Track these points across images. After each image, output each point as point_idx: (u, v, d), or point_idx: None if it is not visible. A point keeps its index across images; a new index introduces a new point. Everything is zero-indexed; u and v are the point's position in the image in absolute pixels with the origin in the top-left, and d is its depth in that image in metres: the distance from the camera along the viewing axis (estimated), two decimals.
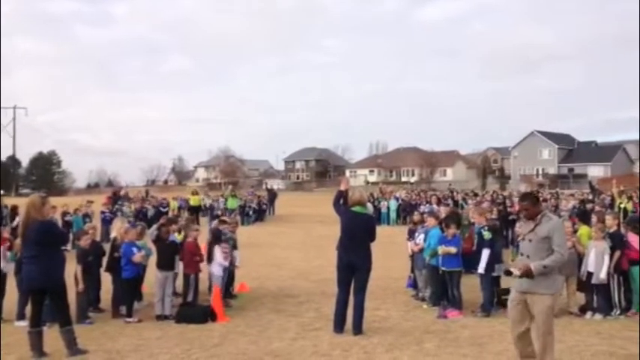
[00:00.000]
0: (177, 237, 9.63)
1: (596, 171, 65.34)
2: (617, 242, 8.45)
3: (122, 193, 29.33)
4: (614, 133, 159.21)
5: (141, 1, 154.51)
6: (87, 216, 20.25)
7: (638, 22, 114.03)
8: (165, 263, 8.90)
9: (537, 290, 5.33)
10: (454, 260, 8.89)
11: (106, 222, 21.10)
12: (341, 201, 7.74)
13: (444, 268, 8.99)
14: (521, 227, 5.88)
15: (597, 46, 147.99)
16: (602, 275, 8.31)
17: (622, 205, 17.68)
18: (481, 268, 8.73)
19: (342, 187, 7.82)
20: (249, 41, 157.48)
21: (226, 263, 9.28)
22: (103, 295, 9.41)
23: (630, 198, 19.68)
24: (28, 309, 7.10)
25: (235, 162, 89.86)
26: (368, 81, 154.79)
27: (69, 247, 16.07)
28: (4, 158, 76.92)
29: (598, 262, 8.38)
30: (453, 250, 8.85)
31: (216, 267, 9.17)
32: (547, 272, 5.28)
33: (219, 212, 25.70)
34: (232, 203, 29.04)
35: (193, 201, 29.58)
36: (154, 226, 9.42)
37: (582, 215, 15.29)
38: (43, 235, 6.42)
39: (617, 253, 8.37)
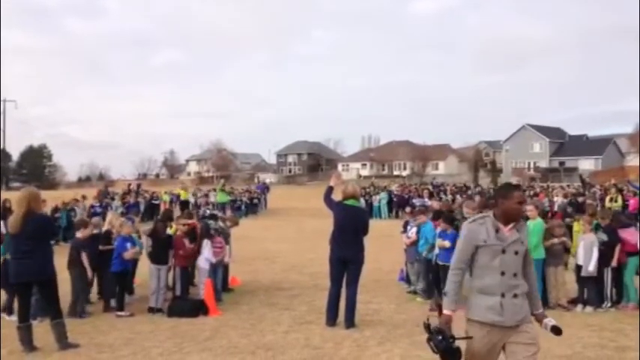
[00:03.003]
0: (170, 231, 9.62)
1: (587, 164, 65.69)
2: (612, 236, 8.50)
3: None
4: (605, 127, 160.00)
5: None
6: (72, 210, 20.47)
7: (631, 15, 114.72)
8: (160, 257, 8.88)
9: (527, 318, 3.84)
10: (450, 254, 8.85)
11: (96, 216, 21.07)
12: (332, 195, 7.74)
13: (439, 262, 8.99)
14: (497, 236, 3.79)
15: (589, 40, 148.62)
16: (591, 268, 8.37)
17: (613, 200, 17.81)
18: None
19: (332, 183, 7.82)
20: (241, 34, 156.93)
21: (213, 259, 9.22)
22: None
23: (620, 191, 19.76)
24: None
25: (227, 155, 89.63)
26: (360, 74, 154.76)
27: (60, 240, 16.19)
28: None
29: (587, 254, 8.43)
30: (447, 244, 8.85)
31: (203, 261, 9.14)
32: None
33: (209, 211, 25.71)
34: (222, 197, 29.05)
35: (183, 195, 29.61)
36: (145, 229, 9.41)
37: (577, 208, 15.42)
38: (41, 229, 6.42)
39: (618, 247, 8.42)
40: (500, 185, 4.58)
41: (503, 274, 3.75)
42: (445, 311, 3.84)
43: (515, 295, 3.75)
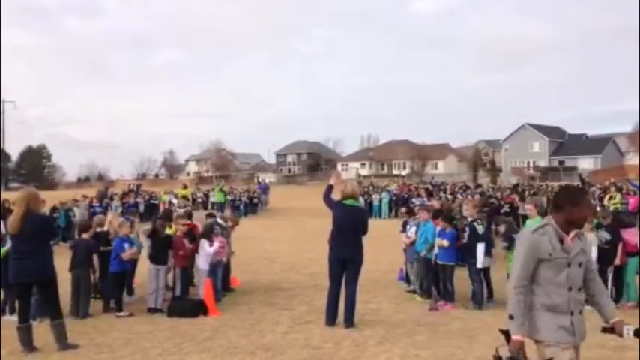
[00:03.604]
0: (170, 231, 9.61)
1: (586, 163, 65.71)
2: (614, 235, 8.51)
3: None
4: (605, 126, 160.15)
5: None
6: (71, 210, 20.52)
7: (631, 15, 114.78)
8: (159, 257, 8.88)
9: None
10: (449, 254, 8.88)
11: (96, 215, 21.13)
12: (331, 194, 7.75)
13: (438, 261, 8.99)
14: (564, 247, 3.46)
15: (589, 40, 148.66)
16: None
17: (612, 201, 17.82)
18: (480, 262, 8.76)
19: (332, 182, 7.82)
20: (241, 34, 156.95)
21: (211, 250, 9.17)
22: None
23: (620, 190, 19.78)
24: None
25: (226, 155, 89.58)
26: (360, 74, 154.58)
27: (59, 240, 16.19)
28: None
29: None
30: (445, 243, 8.86)
31: (202, 261, 9.13)
32: None
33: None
34: (219, 197, 29.04)
35: (183, 194, 29.60)
36: (145, 229, 9.41)
37: None
38: (41, 230, 6.43)
39: (620, 246, 8.44)
40: (566, 189, 3.81)
41: (570, 289, 3.46)
42: (514, 336, 3.37)
43: (580, 312, 3.54)
